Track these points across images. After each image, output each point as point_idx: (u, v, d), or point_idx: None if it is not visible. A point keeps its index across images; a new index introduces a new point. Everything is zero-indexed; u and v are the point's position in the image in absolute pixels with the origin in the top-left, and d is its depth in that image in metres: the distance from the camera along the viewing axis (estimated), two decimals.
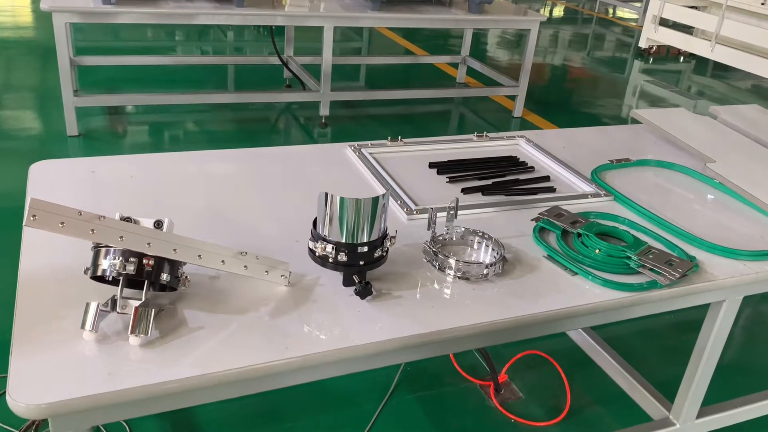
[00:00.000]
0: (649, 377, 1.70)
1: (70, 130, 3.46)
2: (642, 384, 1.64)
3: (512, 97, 4.38)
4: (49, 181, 1.37)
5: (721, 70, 6.27)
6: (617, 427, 1.74)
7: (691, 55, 6.57)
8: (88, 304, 0.92)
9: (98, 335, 0.94)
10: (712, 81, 6.03)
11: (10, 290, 1.07)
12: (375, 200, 1.05)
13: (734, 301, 1.35)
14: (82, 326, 0.92)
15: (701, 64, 6.47)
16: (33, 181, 1.37)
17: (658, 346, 2.16)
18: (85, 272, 0.98)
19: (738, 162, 1.69)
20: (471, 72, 4.99)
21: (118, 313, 0.98)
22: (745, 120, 1.98)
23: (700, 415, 1.51)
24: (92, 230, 0.90)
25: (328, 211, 1.06)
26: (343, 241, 1.06)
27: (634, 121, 2.01)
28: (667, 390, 1.64)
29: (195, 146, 3.57)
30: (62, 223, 0.88)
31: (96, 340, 0.94)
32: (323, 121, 3.94)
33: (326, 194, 1.05)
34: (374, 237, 1.08)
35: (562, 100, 4.98)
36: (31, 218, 0.85)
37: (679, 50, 6.59)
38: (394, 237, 1.11)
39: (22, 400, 0.83)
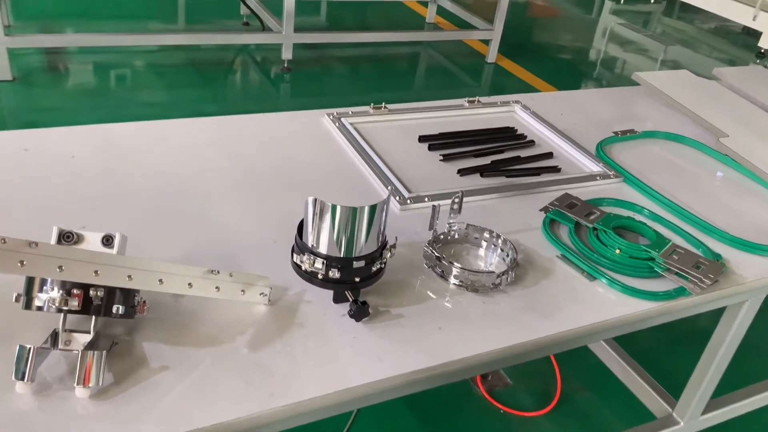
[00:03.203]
0: (645, 365, 1.61)
1: (2, 74, 3.11)
2: (643, 377, 1.54)
3: (486, 41, 4.16)
4: None
5: (685, 11, 6.14)
6: (610, 417, 1.66)
7: None
8: (20, 348, 0.73)
9: (35, 384, 0.76)
10: (678, 23, 5.90)
11: None
12: (373, 208, 0.87)
13: (756, 301, 1.23)
14: (15, 376, 0.73)
15: (670, 5, 6.32)
16: None
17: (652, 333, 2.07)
18: (16, 300, 0.78)
19: (752, 136, 1.56)
20: (441, 11, 4.71)
21: (61, 350, 0.80)
22: (750, 84, 1.83)
23: (704, 411, 1.43)
24: (22, 262, 0.70)
25: (317, 220, 0.87)
26: (336, 254, 0.88)
27: (628, 82, 1.85)
28: (664, 380, 1.55)
29: (145, 92, 3.27)
30: None
31: (33, 391, 0.75)
32: (286, 65, 3.66)
33: (314, 200, 0.86)
34: (372, 249, 0.90)
35: (535, 45, 4.78)
36: None
37: None
38: (394, 246, 0.94)
39: None
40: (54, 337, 0.80)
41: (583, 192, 1.30)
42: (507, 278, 1.01)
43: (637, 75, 1.79)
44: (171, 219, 1.08)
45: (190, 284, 0.83)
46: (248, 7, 4.07)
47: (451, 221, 1.09)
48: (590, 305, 1.02)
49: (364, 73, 3.77)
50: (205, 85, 3.43)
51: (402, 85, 3.70)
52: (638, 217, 1.24)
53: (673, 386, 1.51)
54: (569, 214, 1.18)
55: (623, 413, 1.65)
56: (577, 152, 1.45)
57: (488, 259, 1.09)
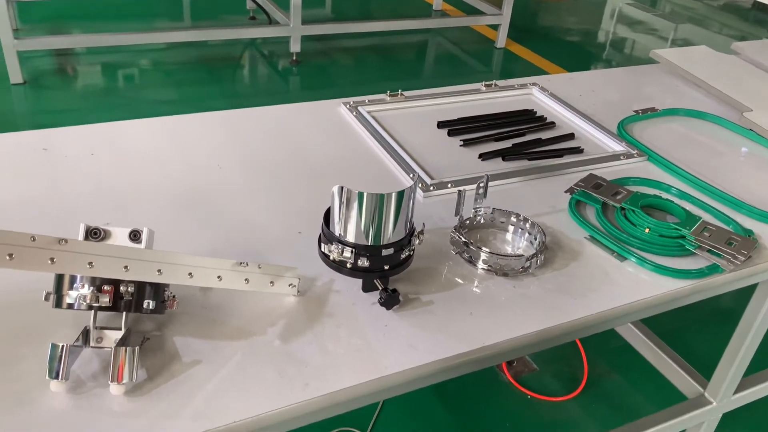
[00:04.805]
0: (673, 345, 1.59)
1: (13, 78, 3.12)
2: (672, 358, 1.52)
3: (494, 26, 4.12)
4: None
5: None
6: (640, 399, 1.64)
7: None
8: (53, 347, 0.72)
9: (69, 382, 0.75)
10: (687, 1, 5.82)
11: None
12: (400, 194, 0.86)
13: None
14: (49, 375, 0.73)
15: None
16: None
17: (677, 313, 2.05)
18: (47, 298, 0.77)
19: None
20: None
21: (92, 347, 0.79)
22: None
23: (737, 390, 1.41)
24: (51, 259, 0.69)
25: (344, 209, 0.86)
26: (365, 243, 0.87)
27: (639, 62, 1.82)
28: (693, 360, 1.53)
29: (154, 91, 3.26)
30: (10, 255, 0.67)
31: (67, 389, 0.75)
32: (294, 58, 3.64)
33: (341, 188, 0.85)
34: (401, 236, 0.89)
35: (544, 28, 4.73)
36: None
37: None
38: (422, 232, 0.93)
39: None
40: (85, 334, 0.79)
41: (607, 172, 1.28)
42: (537, 261, 1.00)
43: (655, 52, 1.76)
44: (193, 214, 1.07)
45: (219, 277, 0.82)
46: (254, 0, 4.05)
47: (477, 206, 1.07)
48: (622, 286, 1.00)
49: (373, 63, 3.75)
50: (214, 82, 3.42)
51: (412, 74, 3.68)
52: (665, 196, 1.22)
53: (702, 366, 1.49)
54: (595, 195, 1.16)
55: (653, 395, 1.63)
56: (598, 132, 1.42)
57: (516, 243, 1.07)
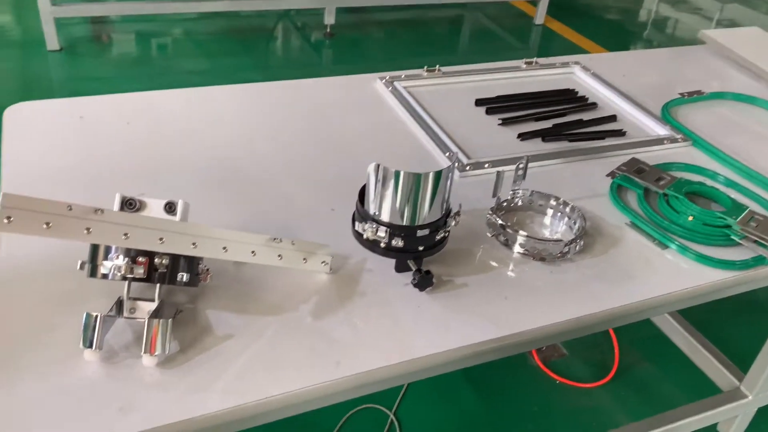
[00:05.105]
0: (708, 336, 1.55)
1: (50, 44, 3.14)
2: (707, 348, 1.49)
3: (533, 2, 4.02)
4: (28, 132, 1.14)
5: None
6: (671, 390, 1.61)
7: None
8: (87, 317, 0.73)
9: (103, 352, 0.75)
10: None
11: None
12: (438, 174, 0.83)
13: None
14: (83, 344, 0.73)
15: None
16: (8, 131, 1.13)
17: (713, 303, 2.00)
18: (81, 267, 0.77)
19: None
20: None
21: (126, 318, 0.79)
22: None
23: None
24: (87, 229, 0.69)
25: (379, 188, 0.84)
26: (400, 223, 0.85)
27: (681, 43, 1.75)
28: (728, 352, 1.49)
29: (187, 61, 3.26)
30: (47, 224, 0.67)
31: (100, 359, 0.75)
32: (328, 30, 3.60)
33: (377, 166, 0.83)
34: (436, 217, 0.87)
35: (584, 5, 4.60)
36: (5, 221, 0.64)
37: None
38: (458, 214, 0.90)
39: None
40: (119, 305, 0.79)
41: (650, 156, 1.24)
42: (576, 247, 0.97)
43: (704, 33, 1.69)
44: (226, 187, 1.06)
45: (253, 252, 0.81)
46: None
47: (515, 188, 1.05)
48: (663, 275, 0.97)
49: (407, 38, 3.69)
50: (246, 53, 3.40)
51: (447, 49, 3.62)
52: (710, 183, 1.18)
53: (737, 358, 1.46)
54: (638, 180, 1.13)
55: (686, 386, 1.60)
56: (641, 115, 1.38)
57: (554, 227, 1.04)
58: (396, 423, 1.53)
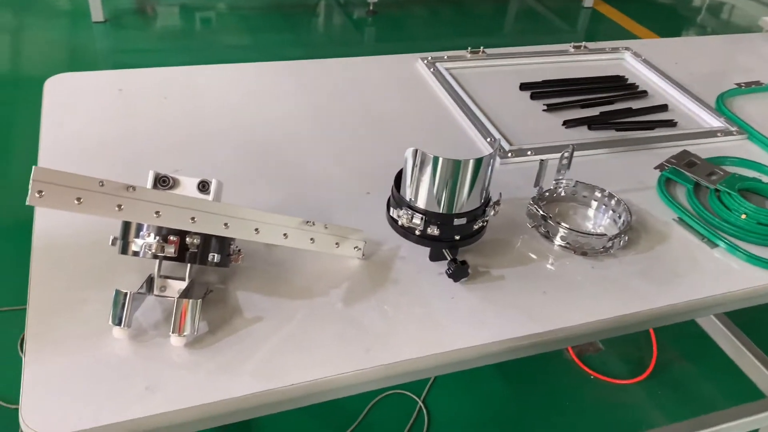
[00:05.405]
0: (752, 337, 1.49)
1: (95, 16, 3.17)
2: (752, 350, 1.43)
3: None
4: (67, 103, 1.14)
5: None
6: (711, 392, 1.56)
7: None
8: (117, 294, 0.72)
9: (132, 330, 0.75)
10: None
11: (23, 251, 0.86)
12: (478, 162, 0.80)
13: None
14: (112, 320, 0.72)
15: None
16: (48, 102, 1.14)
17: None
18: (113, 243, 0.77)
19: None
20: None
21: (156, 296, 0.79)
22: None
23: None
24: (119, 206, 0.68)
25: (416, 173, 0.81)
26: (436, 210, 0.83)
27: (737, 30, 1.66)
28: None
29: (229, 36, 3.26)
30: (79, 199, 0.66)
31: (129, 336, 0.74)
32: (371, 8, 3.55)
33: (415, 151, 0.80)
34: (475, 206, 0.84)
35: None
36: (36, 195, 0.63)
37: None
38: (498, 203, 0.87)
39: (38, 428, 0.65)
40: (149, 282, 0.78)
41: (702, 149, 1.18)
42: (620, 242, 0.93)
43: (765, 20, 1.60)
44: (260, 166, 1.05)
45: (285, 235, 0.79)
46: None
47: (559, 178, 1.01)
48: (711, 275, 0.93)
49: (450, 18, 3.62)
50: (289, 29, 3.38)
51: (492, 31, 3.54)
52: (765, 179, 1.12)
53: None
54: (688, 174, 1.07)
55: (727, 389, 1.54)
56: (694, 105, 1.31)
57: (597, 221, 1.00)
58: (424, 410, 1.52)
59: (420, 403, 1.53)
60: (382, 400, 1.53)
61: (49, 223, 0.88)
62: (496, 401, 1.55)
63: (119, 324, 0.72)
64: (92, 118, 1.11)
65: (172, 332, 0.72)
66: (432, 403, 1.53)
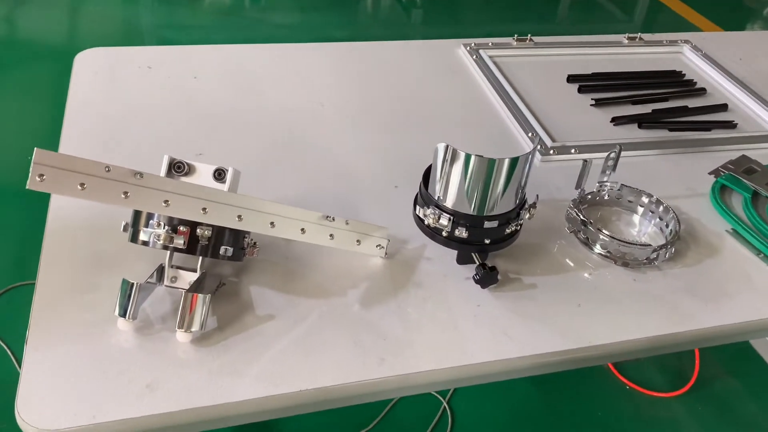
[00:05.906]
0: None
1: None
2: None
3: None
4: (95, 79, 1.11)
5: None
6: (755, 410, 1.46)
7: None
8: (124, 283, 0.69)
9: (138, 321, 0.71)
10: None
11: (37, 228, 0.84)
12: (514, 161, 0.74)
13: None
14: (118, 311, 0.69)
15: None
16: (76, 76, 1.11)
17: None
18: (124, 230, 0.74)
19: None
20: None
21: (166, 286, 0.75)
22: None
23: None
24: (125, 193, 0.64)
25: (446, 170, 0.75)
26: (465, 211, 0.77)
27: None
28: None
29: (275, 14, 3.23)
30: (82, 185, 0.62)
31: (134, 328, 0.71)
32: None
33: (446, 147, 0.74)
34: (508, 208, 0.78)
35: None
36: (37, 179, 0.60)
37: None
38: (534, 206, 0.81)
39: (33, 423, 0.62)
40: (160, 271, 0.75)
41: (764, 155, 1.08)
42: (666, 254, 0.85)
43: None
44: (285, 153, 1.00)
45: (302, 230, 0.75)
46: None
47: (603, 180, 0.93)
48: (766, 293, 0.85)
49: (504, 2, 3.51)
50: (335, 9, 3.33)
51: (543, 17, 3.41)
52: None
53: None
54: (746, 181, 0.99)
55: None
56: (757, 106, 1.21)
57: (643, 228, 0.92)
58: (448, 411, 1.47)
59: (444, 403, 1.48)
60: (406, 398, 1.48)
61: (65, 203, 0.85)
62: (524, 407, 1.48)
63: (124, 315, 0.69)
64: (119, 94, 1.08)
65: (179, 327, 0.69)
66: (457, 405, 1.48)
